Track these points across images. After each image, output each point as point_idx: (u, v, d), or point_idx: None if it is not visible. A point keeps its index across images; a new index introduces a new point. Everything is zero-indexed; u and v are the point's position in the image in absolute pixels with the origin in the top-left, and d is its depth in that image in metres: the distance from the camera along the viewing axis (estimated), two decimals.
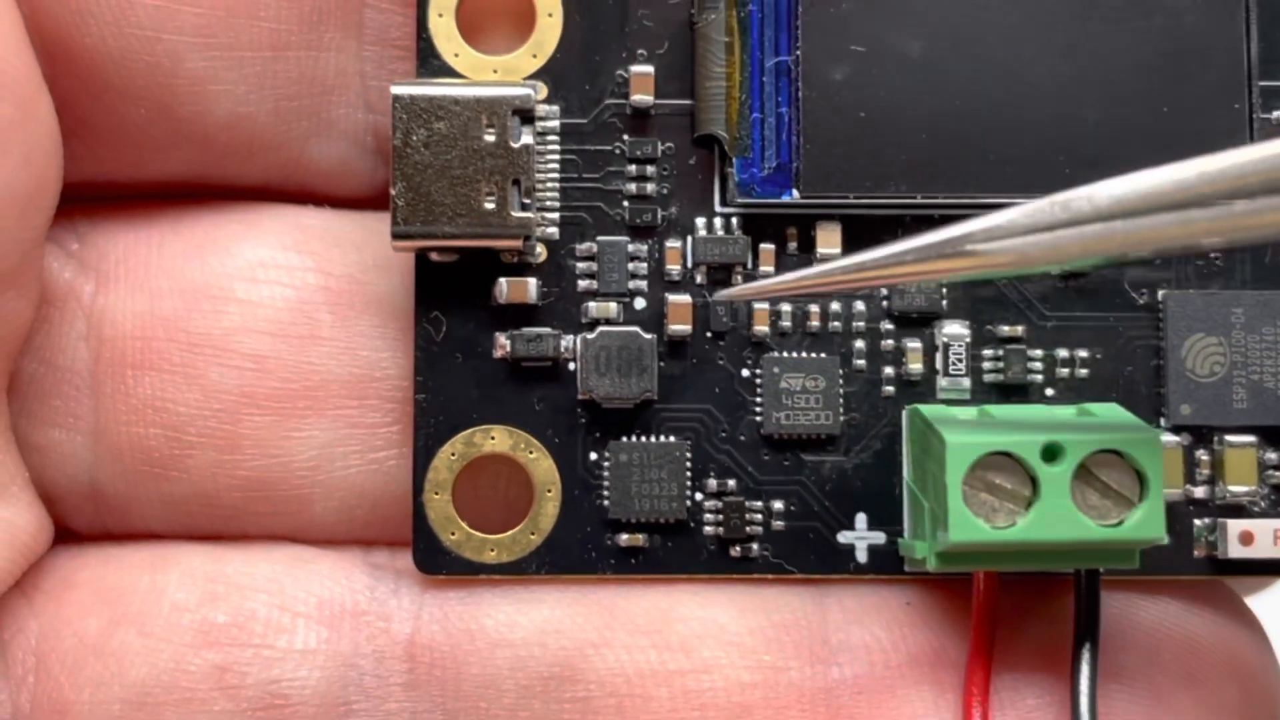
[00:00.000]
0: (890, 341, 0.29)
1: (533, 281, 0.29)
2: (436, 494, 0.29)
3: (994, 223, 0.24)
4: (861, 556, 0.29)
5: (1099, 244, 0.23)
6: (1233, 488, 0.29)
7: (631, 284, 0.29)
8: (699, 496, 0.29)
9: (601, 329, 0.29)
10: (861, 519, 0.29)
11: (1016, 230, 0.24)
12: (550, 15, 0.29)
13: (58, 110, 0.28)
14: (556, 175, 0.29)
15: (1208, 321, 0.29)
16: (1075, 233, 0.23)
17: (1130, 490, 0.26)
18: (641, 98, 0.29)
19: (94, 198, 0.30)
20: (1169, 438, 0.29)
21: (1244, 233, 0.23)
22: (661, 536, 0.29)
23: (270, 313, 0.29)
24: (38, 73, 0.27)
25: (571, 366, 0.29)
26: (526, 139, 0.28)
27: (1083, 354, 0.29)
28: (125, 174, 0.29)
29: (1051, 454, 0.26)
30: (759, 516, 0.29)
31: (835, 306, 0.29)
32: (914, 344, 0.29)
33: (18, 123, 0.27)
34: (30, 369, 0.29)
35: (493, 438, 0.29)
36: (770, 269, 0.29)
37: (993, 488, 0.26)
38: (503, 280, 0.29)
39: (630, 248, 0.29)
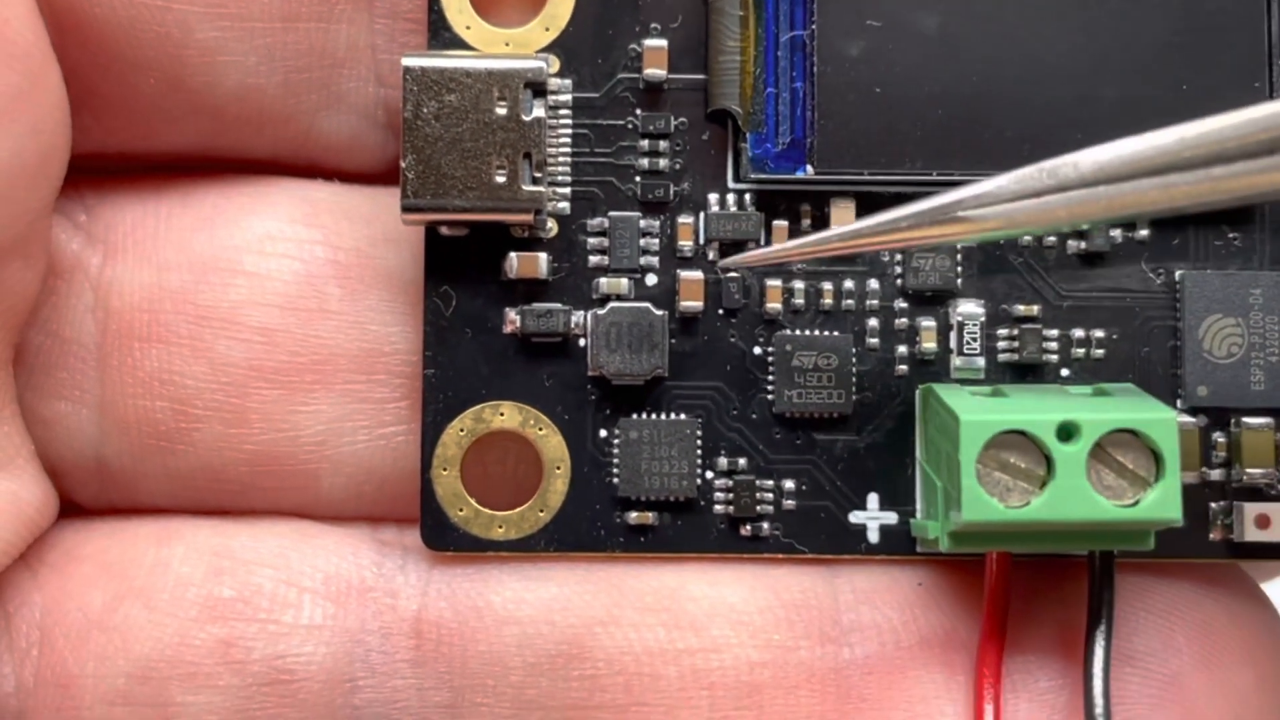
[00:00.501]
0: (904, 320, 0.29)
1: (543, 256, 0.29)
2: (445, 470, 0.29)
3: (983, 189, 0.25)
4: (873, 537, 0.29)
5: (1084, 209, 0.24)
6: (1250, 470, 0.29)
7: (643, 260, 0.29)
8: (709, 475, 0.29)
9: (612, 305, 0.29)
10: (873, 499, 0.29)
11: (1005, 196, 0.25)
12: None
13: (66, 80, 0.27)
14: (568, 149, 0.29)
15: (1226, 302, 0.29)
16: (1061, 198, 0.24)
17: (1146, 471, 0.26)
18: (654, 72, 0.29)
19: (102, 169, 0.29)
20: (1185, 419, 0.29)
21: (1223, 196, 0.24)
22: (671, 515, 0.29)
23: (279, 286, 0.29)
24: (47, 42, 0.27)
25: (582, 342, 0.29)
26: (538, 112, 0.28)
27: (1099, 334, 0.29)
28: (134, 145, 0.29)
29: (1067, 433, 0.26)
30: (770, 495, 0.29)
31: (849, 284, 0.29)
32: (928, 322, 0.29)
33: (26, 92, 0.26)
34: (37, 341, 0.29)
35: (502, 414, 0.29)
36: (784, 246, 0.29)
37: (1007, 466, 0.26)
38: (513, 255, 0.29)
39: (642, 223, 0.29)
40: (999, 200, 0.25)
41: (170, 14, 0.28)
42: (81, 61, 0.28)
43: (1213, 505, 0.29)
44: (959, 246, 0.29)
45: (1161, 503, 0.26)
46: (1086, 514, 0.26)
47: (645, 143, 0.29)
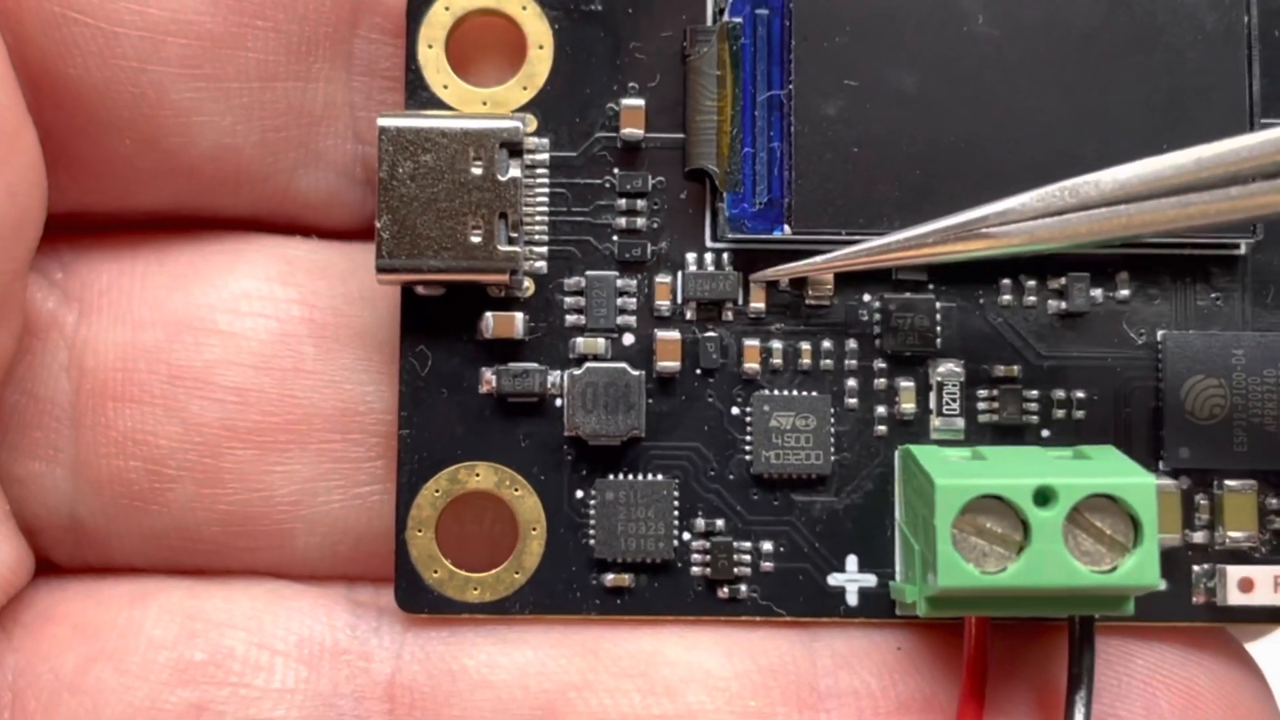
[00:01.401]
0: (883, 380, 0.29)
1: (520, 316, 0.29)
2: (419, 531, 0.28)
3: (1007, 206, 0.26)
4: (852, 599, 0.29)
5: (1104, 226, 0.26)
6: (1232, 533, 0.28)
7: (620, 319, 0.29)
8: (686, 536, 0.29)
9: (589, 365, 0.29)
10: (852, 561, 0.29)
11: (1028, 214, 0.26)
12: (541, 47, 0.29)
13: (42, 140, 0.27)
14: (545, 209, 0.29)
15: (1208, 363, 0.29)
16: (1083, 216, 0.26)
17: (1124, 536, 0.26)
18: (632, 131, 0.29)
19: (79, 227, 0.29)
20: (1167, 481, 0.28)
21: (1239, 214, 0.25)
22: (648, 577, 0.29)
23: (253, 345, 0.29)
24: (21, 104, 0.27)
25: (558, 403, 0.29)
26: (514, 172, 0.28)
27: (1080, 395, 0.29)
28: (110, 205, 0.29)
29: (1044, 498, 0.26)
30: (748, 557, 0.29)
31: (827, 344, 0.29)
32: (907, 383, 0.29)
33: (2, 155, 0.26)
34: (11, 400, 0.29)
35: (477, 474, 0.29)
36: (761, 305, 0.29)
37: (983, 531, 0.26)
38: (489, 314, 0.29)
39: (619, 282, 0.29)
40: (1022, 218, 0.26)
41: (145, 75, 0.28)
42: (57, 122, 0.28)
43: (1195, 568, 0.29)
44: (938, 306, 0.29)
45: (1139, 569, 0.26)
46: (1064, 580, 0.26)
47: (623, 201, 0.29)
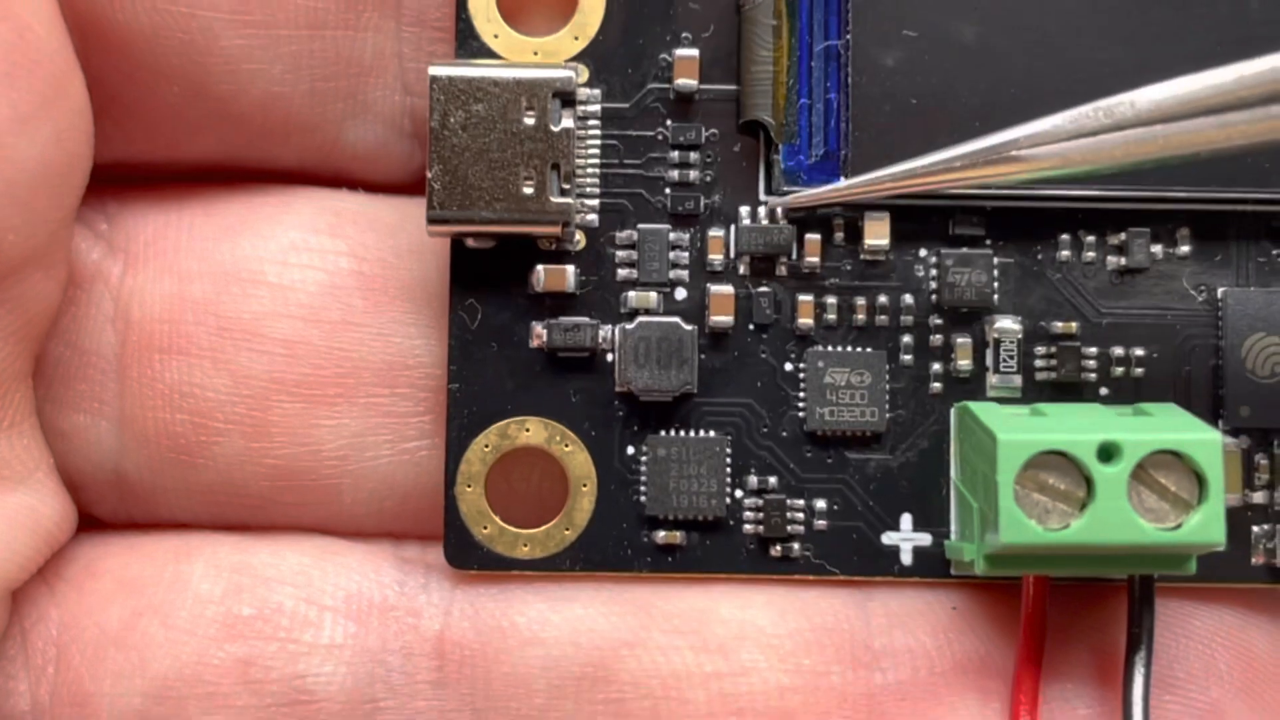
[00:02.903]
0: (939, 336, 0.28)
1: (571, 269, 0.28)
2: (469, 487, 0.28)
3: (1038, 129, 0.25)
4: (906, 559, 0.28)
5: (1140, 147, 0.25)
6: None
7: (672, 274, 0.28)
8: (739, 494, 0.28)
9: (641, 319, 0.28)
10: (907, 520, 0.28)
11: (1060, 135, 0.25)
12: None
13: (89, 88, 0.27)
14: (597, 161, 0.29)
15: (1269, 320, 0.28)
16: (1117, 137, 0.25)
17: (1189, 493, 0.25)
18: (685, 82, 0.28)
19: (124, 178, 0.29)
20: (1228, 440, 0.28)
21: None
22: (699, 534, 0.28)
23: (302, 297, 0.28)
24: (70, 49, 0.27)
25: (609, 357, 0.28)
26: (567, 122, 0.28)
27: (1139, 352, 0.28)
28: (157, 154, 0.29)
29: (1108, 454, 0.25)
30: (800, 515, 0.28)
31: (882, 299, 0.28)
32: (963, 339, 0.28)
33: (50, 100, 0.26)
34: (56, 352, 0.28)
35: (527, 430, 0.28)
36: (815, 260, 0.28)
37: (1045, 488, 0.25)
38: (540, 268, 0.28)
39: (671, 236, 0.28)
40: (1054, 139, 0.25)
41: (195, 21, 0.27)
42: (105, 69, 0.27)
43: (1255, 529, 0.28)
44: (996, 262, 0.28)
45: (1204, 526, 0.25)
46: (1127, 537, 0.25)
47: (675, 154, 0.29)
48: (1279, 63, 0.24)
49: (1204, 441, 0.25)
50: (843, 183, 0.27)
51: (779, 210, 0.28)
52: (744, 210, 0.29)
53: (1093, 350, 0.28)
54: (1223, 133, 0.24)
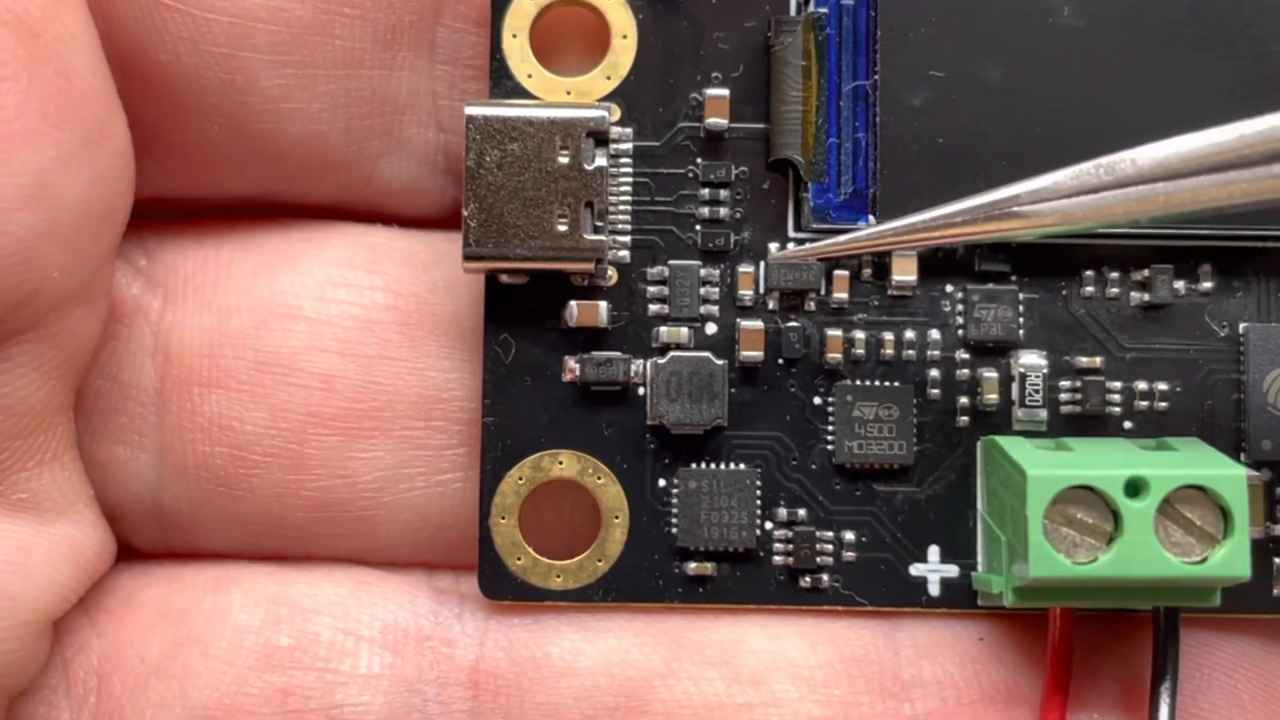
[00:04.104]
0: (965, 371, 0.29)
1: (604, 305, 0.29)
2: (503, 518, 0.29)
3: (1040, 185, 0.25)
4: (934, 590, 0.29)
5: (1142, 205, 0.24)
6: None
7: (703, 309, 0.29)
8: (769, 525, 0.29)
9: (672, 354, 0.29)
10: (934, 551, 0.29)
11: (1062, 192, 0.25)
12: (625, 37, 0.29)
13: (131, 126, 0.27)
14: (629, 198, 0.29)
15: None
16: (1119, 194, 0.25)
17: (1214, 527, 0.26)
18: (716, 121, 0.29)
19: (164, 213, 0.30)
20: (1250, 473, 0.28)
21: None
22: (730, 565, 0.29)
23: (339, 332, 0.29)
24: (113, 89, 0.27)
25: (641, 391, 0.29)
26: (600, 161, 0.28)
27: (1162, 386, 0.29)
28: (196, 191, 0.29)
29: (1135, 489, 0.26)
30: (830, 547, 0.29)
31: (910, 335, 0.29)
32: (990, 374, 0.29)
33: (94, 140, 0.26)
34: (96, 385, 0.29)
35: (560, 462, 0.29)
36: (844, 296, 0.29)
37: (1074, 522, 0.26)
38: (573, 303, 0.29)
39: (702, 272, 0.29)
40: (1056, 196, 0.25)
41: (236, 61, 0.28)
42: (146, 108, 0.28)
43: (1277, 560, 0.29)
44: (1021, 298, 0.29)
45: (1230, 560, 0.26)
46: (1155, 571, 0.26)
47: (706, 191, 0.29)
48: (1278, 121, 0.24)
49: (1230, 477, 0.26)
50: (844, 238, 0.27)
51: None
52: (773, 246, 0.29)
53: (1117, 384, 0.29)
54: (1225, 191, 0.24)
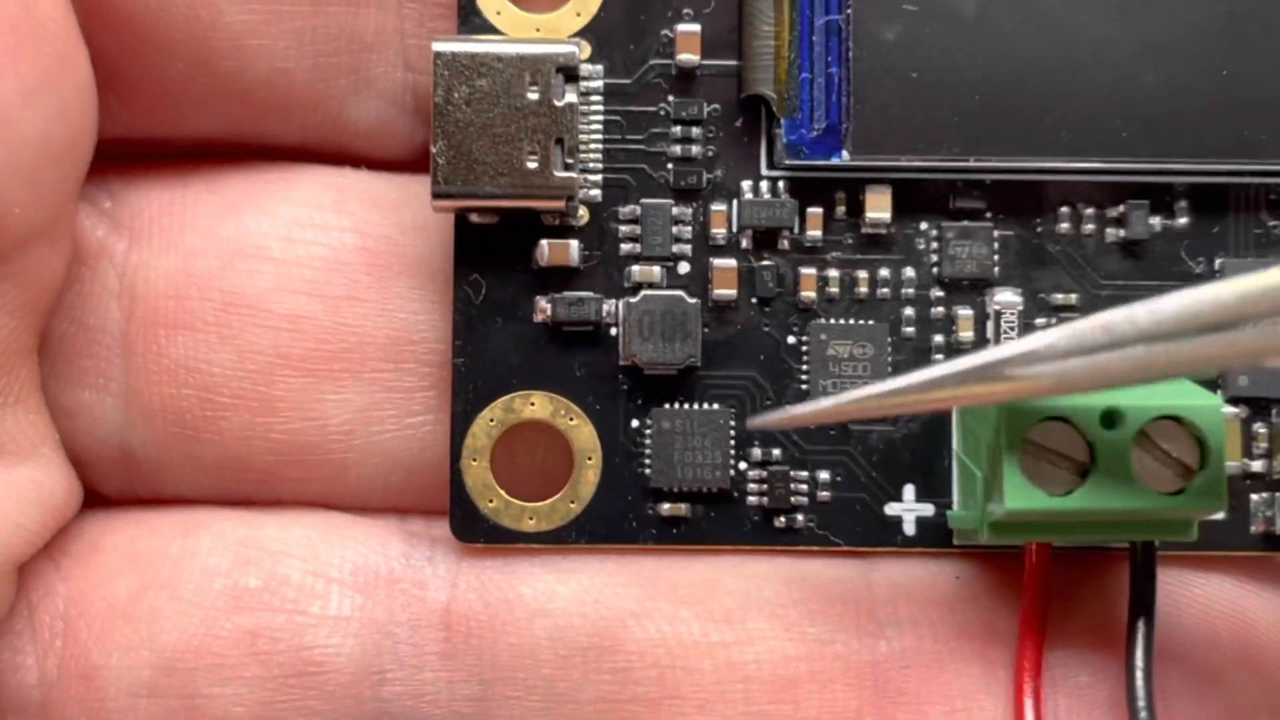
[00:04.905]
0: (940, 308, 0.29)
1: (575, 244, 0.28)
2: (474, 460, 0.28)
3: (1034, 347, 0.24)
4: (909, 529, 0.29)
5: (1143, 367, 0.23)
6: None
7: (675, 248, 0.29)
8: (743, 465, 0.29)
9: (644, 293, 0.28)
10: (910, 490, 0.29)
11: (1057, 354, 0.24)
12: None
13: (93, 63, 0.27)
14: (599, 136, 0.29)
15: None
16: (1118, 356, 0.23)
17: (1191, 459, 0.26)
18: (687, 57, 0.28)
19: (128, 154, 0.29)
20: (1227, 409, 0.28)
21: None
22: (704, 506, 0.28)
23: (307, 272, 0.28)
24: (74, 24, 0.27)
25: (613, 331, 0.28)
26: (570, 97, 0.28)
27: None
28: (161, 130, 0.29)
29: (1111, 420, 0.25)
30: (804, 487, 0.29)
31: (884, 272, 0.29)
32: (965, 311, 0.29)
33: (54, 74, 0.26)
34: (61, 329, 0.28)
35: (532, 403, 0.28)
36: (817, 234, 0.29)
37: (1049, 454, 0.26)
38: (544, 242, 0.28)
39: (674, 210, 0.29)
40: (1050, 359, 0.24)
41: None
42: (109, 44, 0.27)
43: (1254, 497, 0.28)
44: (996, 234, 0.29)
45: (1206, 492, 0.25)
46: (1130, 503, 0.25)
47: (678, 129, 0.29)
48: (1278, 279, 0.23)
49: (1206, 406, 0.26)
50: (826, 402, 0.26)
51: (780, 184, 0.29)
52: (746, 184, 0.29)
53: None
54: (1231, 349, 0.23)
